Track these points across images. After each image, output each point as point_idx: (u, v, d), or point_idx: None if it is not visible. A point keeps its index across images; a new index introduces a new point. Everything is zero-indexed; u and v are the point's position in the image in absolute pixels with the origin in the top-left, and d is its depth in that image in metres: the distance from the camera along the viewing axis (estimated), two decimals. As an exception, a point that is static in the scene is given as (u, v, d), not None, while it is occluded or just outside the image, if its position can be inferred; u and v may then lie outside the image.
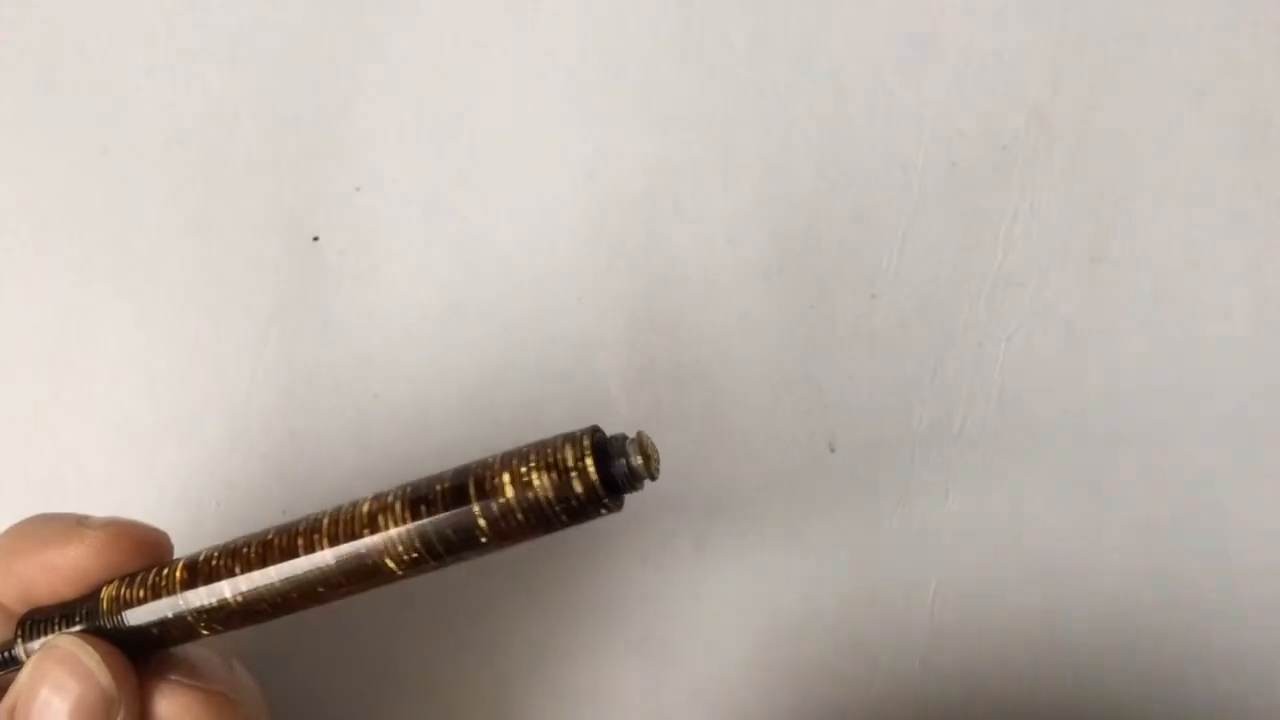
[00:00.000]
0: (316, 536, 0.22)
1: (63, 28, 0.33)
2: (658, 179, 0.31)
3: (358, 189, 0.32)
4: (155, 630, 0.23)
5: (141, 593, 0.23)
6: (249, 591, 0.22)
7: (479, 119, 0.32)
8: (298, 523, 0.22)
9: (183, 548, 0.25)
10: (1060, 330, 0.31)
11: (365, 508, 0.22)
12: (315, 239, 0.32)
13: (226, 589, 0.22)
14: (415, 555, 0.21)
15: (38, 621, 0.24)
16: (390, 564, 0.21)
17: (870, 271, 0.31)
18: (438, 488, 0.21)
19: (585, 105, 0.32)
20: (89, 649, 0.23)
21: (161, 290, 0.32)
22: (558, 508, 0.21)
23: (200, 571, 0.23)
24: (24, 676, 0.23)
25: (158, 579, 0.23)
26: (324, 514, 0.22)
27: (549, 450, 0.21)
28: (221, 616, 0.23)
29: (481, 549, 0.21)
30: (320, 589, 0.22)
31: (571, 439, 0.21)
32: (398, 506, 0.21)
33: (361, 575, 0.22)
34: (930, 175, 0.31)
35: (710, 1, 0.32)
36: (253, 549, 0.22)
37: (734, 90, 0.32)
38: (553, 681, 0.30)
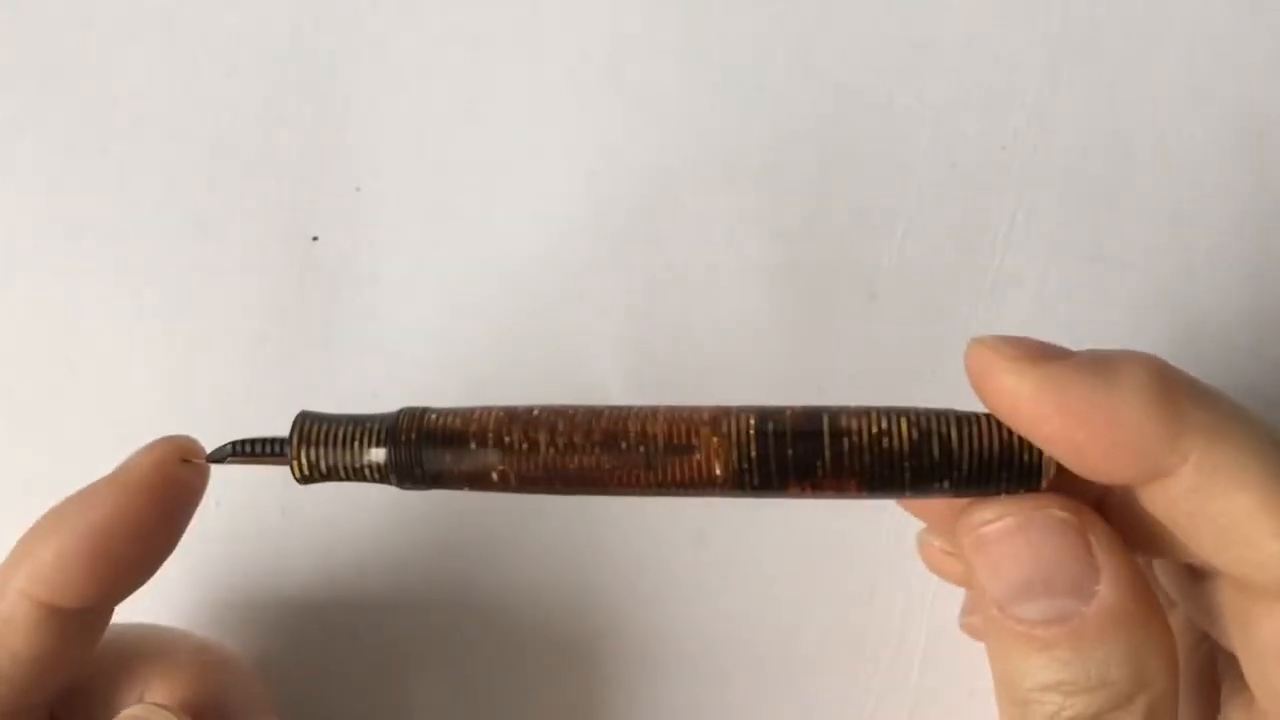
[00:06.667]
0: (649, 422, 0.21)
1: (63, 28, 0.33)
2: (658, 178, 0.31)
3: (358, 189, 0.32)
4: (449, 458, 0.22)
5: (452, 420, 0.22)
6: (565, 452, 0.21)
7: (479, 119, 0.32)
8: (628, 408, 0.21)
9: (183, 547, 0.25)
10: (1060, 330, 0.31)
11: (706, 413, 0.21)
12: (315, 239, 0.32)
13: (543, 439, 0.21)
14: (746, 466, 0.20)
15: (312, 423, 0.23)
16: (717, 469, 0.21)
17: (870, 271, 0.31)
18: (786, 412, 0.21)
19: (585, 105, 0.32)
20: (166, 714, 0.23)
21: (161, 290, 0.32)
22: (906, 464, 0.20)
23: (518, 416, 0.21)
24: None
25: (470, 414, 0.22)
26: (657, 407, 0.21)
27: (921, 415, 0.20)
28: (524, 470, 0.21)
29: (807, 489, 0.20)
30: (637, 471, 0.21)
31: (964, 418, 0.20)
32: (743, 417, 0.21)
33: (683, 476, 0.21)
34: (930, 175, 0.31)
35: (711, 2, 0.32)
36: (579, 413, 0.21)
37: (734, 90, 0.32)
38: (552, 684, 0.30)
